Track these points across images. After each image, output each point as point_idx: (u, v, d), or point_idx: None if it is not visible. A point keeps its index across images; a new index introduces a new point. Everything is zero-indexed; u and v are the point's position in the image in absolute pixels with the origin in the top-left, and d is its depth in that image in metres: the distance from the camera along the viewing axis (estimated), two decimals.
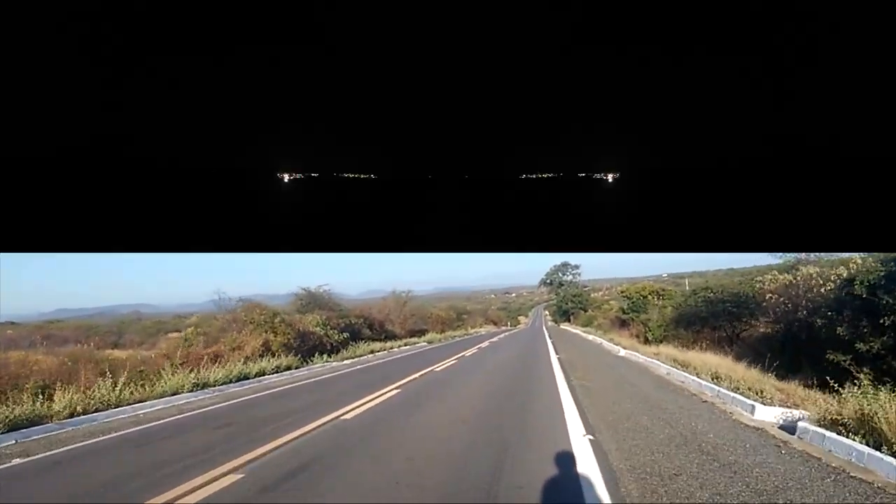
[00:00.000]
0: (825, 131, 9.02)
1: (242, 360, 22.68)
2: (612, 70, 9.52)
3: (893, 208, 8.54)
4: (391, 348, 34.54)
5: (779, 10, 9.00)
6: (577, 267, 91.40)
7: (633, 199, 10.11)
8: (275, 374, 20.40)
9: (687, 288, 53.30)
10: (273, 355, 25.23)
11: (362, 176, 10.78)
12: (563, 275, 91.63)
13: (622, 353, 23.94)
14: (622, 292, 53.65)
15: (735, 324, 26.61)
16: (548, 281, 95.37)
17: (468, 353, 26.39)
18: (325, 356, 26.53)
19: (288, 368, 22.23)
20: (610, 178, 10.67)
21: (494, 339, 41.84)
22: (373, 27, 9.52)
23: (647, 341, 31.50)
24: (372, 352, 31.40)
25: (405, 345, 37.58)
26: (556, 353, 24.04)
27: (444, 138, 10.36)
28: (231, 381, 17.82)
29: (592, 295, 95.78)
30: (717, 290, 26.26)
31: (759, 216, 9.08)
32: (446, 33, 9.59)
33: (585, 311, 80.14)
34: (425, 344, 40.01)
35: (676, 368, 15.43)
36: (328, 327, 31.67)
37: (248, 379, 18.76)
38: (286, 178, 10.70)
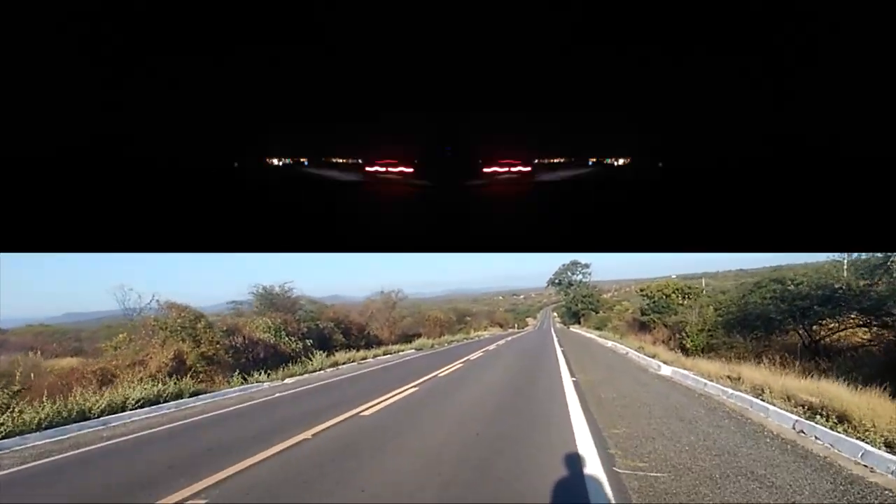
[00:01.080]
0: (825, 131, 8.67)
1: (146, 379, 15.66)
2: (612, 70, 9.13)
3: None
4: (364, 358, 26.63)
5: (779, 11, 8.60)
6: (587, 266, 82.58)
7: (633, 199, 9.44)
8: (143, 410, 12.86)
9: (703, 288, 44.94)
10: (189, 372, 17.86)
11: (362, 176, 10.49)
12: (573, 274, 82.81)
13: (664, 370, 15.87)
14: (641, 290, 45.11)
15: (814, 328, 18.40)
16: (556, 281, 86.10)
17: (447, 370, 18.21)
18: (260, 374, 18.80)
19: (179, 396, 14.54)
20: (618, 168, 10.57)
21: (492, 346, 33.40)
22: (374, 28, 8.87)
23: (685, 350, 23.30)
24: (335, 364, 23.62)
25: (385, 353, 29.63)
26: (571, 372, 15.98)
27: (443, 139, 10.05)
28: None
29: (602, 296, 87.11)
30: (797, 280, 18.02)
31: (757, 216, 8.45)
32: (446, 34, 8.96)
33: (597, 312, 71.73)
34: (412, 351, 32.17)
35: (813, 422, 7.53)
36: (283, 333, 24.15)
37: (66, 424, 11.13)
38: (285, 177, 10.52)
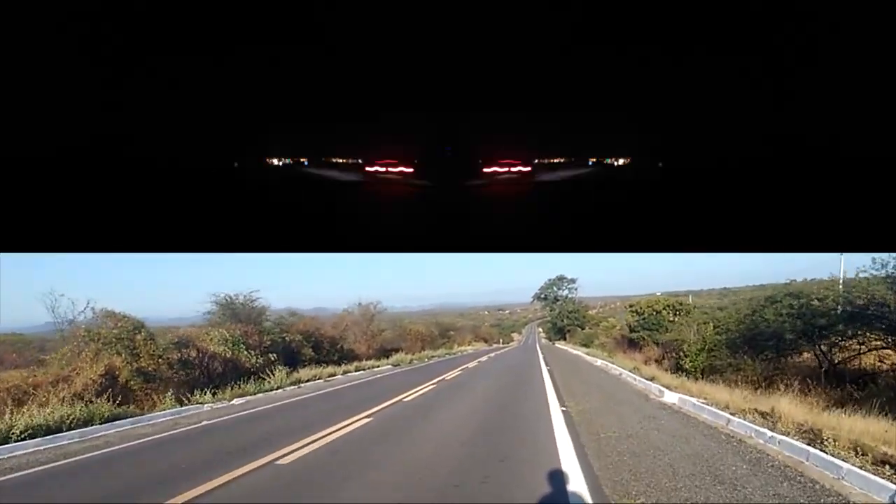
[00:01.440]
0: (825, 131, 8.36)
1: (69, 398, 13.17)
2: (612, 70, 8.81)
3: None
4: (332, 375, 23.89)
5: (779, 10, 8.34)
6: (573, 281, 79.85)
7: (633, 199, 9.06)
8: (33, 441, 10.24)
9: (694, 305, 42.47)
10: (121, 390, 15.31)
11: (362, 176, 10.13)
12: (559, 289, 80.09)
13: (668, 397, 13.31)
14: (630, 306, 42.61)
15: (833, 350, 15.96)
16: (542, 296, 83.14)
17: (415, 393, 15.45)
18: (206, 393, 16.07)
19: (89, 422, 11.87)
20: (617, 169, 10.19)
21: (473, 363, 30.45)
22: (374, 28, 8.58)
23: (682, 372, 20.75)
24: (297, 382, 20.95)
25: (357, 369, 26.87)
26: (559, 398, 13.38)
27: (443, 139, 9.63)
28: None
29: (588, 312, 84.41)
30: (822, 295, 15.48)
31: (757, 216, 8.10)
32: (446, 34, 8.65)
33: (583, 328, 69.17)
34: (388, 367, 29.45)
35: None
36: (242, 346, 21.42)
37: None
38: (285, 177, 10.14)
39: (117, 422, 12.30)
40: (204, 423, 11.93)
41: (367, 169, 10.21)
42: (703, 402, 11.63)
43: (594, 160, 10.36)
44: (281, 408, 14.03)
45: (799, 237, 7.98)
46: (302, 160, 10.45)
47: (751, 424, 8.68)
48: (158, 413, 13.63)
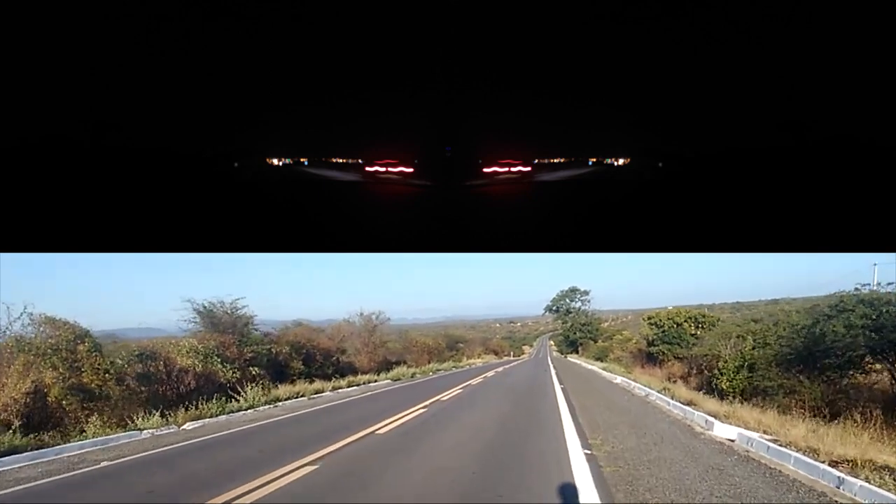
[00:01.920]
0: (831, 128, 7.89)
1: None
2: (614, 68, 8.35)
3: None
4: (318, 392, 20.81)
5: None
6: (586, 293, 76.09)
7: (634, 199, 8.81)
8: None
9: (714, 316, 38.77)
10: (54, 411, 12.77)
11: (362, 176, 9.81)
12: (571, 301, 76.31)
13: (720, 431, 10.12)
14: (648, 318, 38.89)
15: None
16: (553, 308, 79.23)
17: (395, 421, 12.09)
18: (153, 415, 13.11)
19: None
20: (619, 168, 9.92)
21: (478, 379, 26.57)
22: (375, 28, 8.09)
23: (717, 393, 17.38)
24: (275, 400, 17.98)
25: (349, 385, 23.68)
26: (580, 433, 10.18)
27: (443, 139, 9.20)
28: None
29: (601, 325, 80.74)
30: None
31: (760, 215, 7.79)
32: (447, 35, 8.26)
33: (596, 341, 65.51)
34: (386, 382, 26.40)
35: None
36: (216, 358, 18.53)
37: None
38: (285, 177, 9.88)
39: (7, 458, 9.34)
40: (104, 463, 8.81)
41: (367, 169, 9.84)
42: (773, 442, 8.39)
43: (594, 160, 10.01)
44: (227, 439, 10.91)
45: (805, 237, 7.61)
46: (302, 160, 10.10)
47: (887, 494, 5.41)
48: (73, 444, 10.66)
